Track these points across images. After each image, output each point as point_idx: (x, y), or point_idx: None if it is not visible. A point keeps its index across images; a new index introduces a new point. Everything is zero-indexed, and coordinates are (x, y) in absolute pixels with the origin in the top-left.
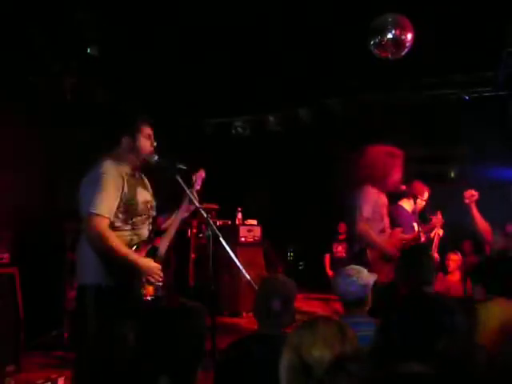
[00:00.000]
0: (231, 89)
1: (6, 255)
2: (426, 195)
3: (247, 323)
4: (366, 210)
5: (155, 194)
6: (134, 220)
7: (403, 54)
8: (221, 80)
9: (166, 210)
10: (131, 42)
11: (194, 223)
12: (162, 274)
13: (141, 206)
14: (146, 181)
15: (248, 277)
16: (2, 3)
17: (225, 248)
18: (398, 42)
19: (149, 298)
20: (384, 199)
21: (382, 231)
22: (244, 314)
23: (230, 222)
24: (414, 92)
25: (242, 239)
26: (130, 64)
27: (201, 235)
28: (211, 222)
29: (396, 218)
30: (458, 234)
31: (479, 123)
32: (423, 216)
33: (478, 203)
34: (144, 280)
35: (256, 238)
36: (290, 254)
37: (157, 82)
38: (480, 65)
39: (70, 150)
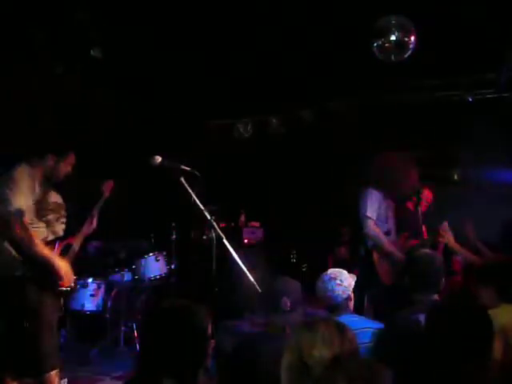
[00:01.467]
0: (233, 90)
1: None
2: (428, 196)
3: (250, 325)
4: (372, 212)
5: None
6: (47, 218)
7: (406, 55)
8: (223, 81)
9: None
10: (133, 43)
11: (197, 225)
12: (73, 279)
13: (52, 206)
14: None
15: (251, 278)
16: (5, 4)
17: (228, 250)
18: (400, 44)
19: (64, 288)
20: (389, 202)
21: (387, 234)
22: (247, 315)
23: (233, 224)
24: (417, 94)
25: (245, 241)
26: (133, 65)
27: (204, 237)
28: (215, 223)
29: (403, 220)
30: (462, 237)
31: (482, 125)
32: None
33: (482, 206)
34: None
35: (259, 240)
36: (293, 256)
37: (159, 83)
38: (483, 66)
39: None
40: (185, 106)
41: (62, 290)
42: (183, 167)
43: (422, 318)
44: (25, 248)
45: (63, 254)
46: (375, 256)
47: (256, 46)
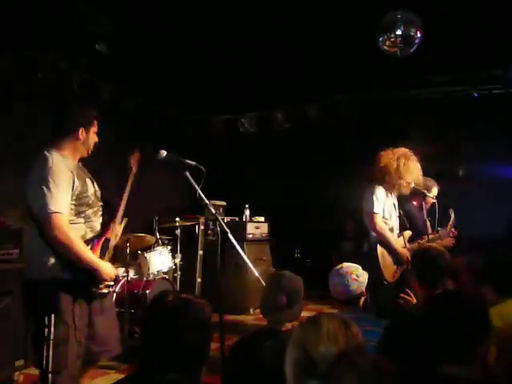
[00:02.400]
0: (238, 85)
1: (15, 251)
2: (435, 191)
3: (255, 320)
4: (377, 207)
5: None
6: (86, 213)
7: (412, 50)
8: (228, 77)
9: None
10: (138, 39)
11: (202, 220)
12: (114, 277)
13: (92, 198)
14: (87, 171)
15: (256, 273)
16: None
17: (233, 245)
18: (407, 39)
19: (105, 290)
20: (393, 199)
21: (391, 230)
22: (251, 310)
23: (237, 219)
24: (422, 89)
25: (250, 236)
26: (137, 60)
27: (209, 232)
28: (220, 218)
29: (411, 217)
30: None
31: (489, 121)
32: (433, 214)
33: (488, 202)
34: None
35: (263, 235)
36: (298, 252)
37: (164, 78)
38: (490, 62)
39: None
40: (189, 101)
41: (102, 292)
42: (188, 161)
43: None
44: (64, 251)
45: (103, 252)
46: (379, 252)
47: (260, 42)
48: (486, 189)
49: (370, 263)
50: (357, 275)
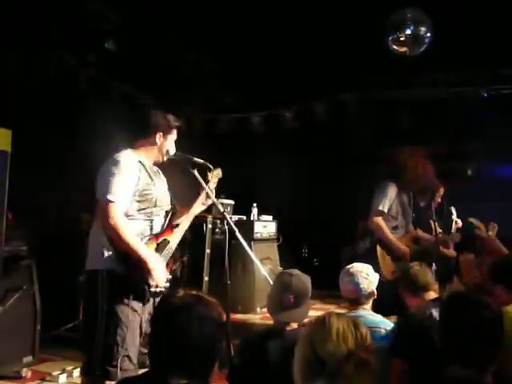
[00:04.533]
0: (247, 84)
1: (24, 247)
2: (441, 191)
3: (261, 319)
4: (384, 205)
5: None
6: (148, 210)
7: (421, 49)
8: (236, 75)
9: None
10: (147, 36)
11: (210, 218)
12: (165, 280)
13: (158, 197)
14: (163, 177)
15: (264, 272)
16: None
17: (240, 243)
18: (416, 38)
19: (157, 289)
20: (405, 198)
21: (395, 228)
22: (258, 309)
23: (245, 218)
24: (432, 88)
25: (257, 235)
26: (146, 57)
27: (217, 230)
28: (228, 217)
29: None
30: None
31: (497, 120)
32: (440, 213)
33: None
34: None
35: (271, 234)
36: (305, 251)
37: (173, 76)
38: (499, 62)
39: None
40: (198, 100)
41: (154, 291)
42: (197, 159)
43: (434, 313)
44: (116, 240)
45: (157, 250)
46: (378, 250)
47: (269, 41)
48: (495, 188)
49: (369, 260)
50: (367, 274)
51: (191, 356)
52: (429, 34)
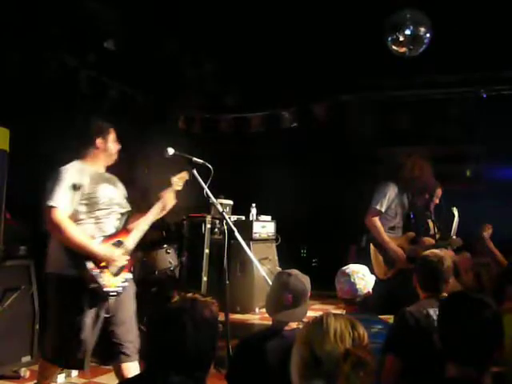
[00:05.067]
0: (246, 84)
1: (22, 247)
2: (438, 192)
3: (260, 319)
4: (381, 204)
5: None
6: (96, 214)
7: (421, 50)
8: (235, 75)
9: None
10: (146, 36)
11: (209, 219)
12: (124, 259)
13: (103, 200)
14: (117, 180)
15: (262, 272)
16: None
17: (239, 243)
18: (415, 39)
19: (110, 289)
20: (405, 199)
21: (393, 228)
22: (257, 309)
23: (244, 218)
24: (431, 89)
25: (256, 235)
26: (145, 58)
27: (216, 230)
28: (227, 217)
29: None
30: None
31: (496, 122)
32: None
33: (495, 203)
34: (106, 266)
35: (270, 234)
36: (304, 251)
37: (172, 76)
38: (499, 63)
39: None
40: (197, 100)
41: (106, 291)
42: (195, 159)
43: (431, 312)
44: (65, 242)
45: None
46: (372, 248)
47: (267, 41)
48: (493, 190)
49: (363, 258)
50: (363, 274)
51: (188, 358)
52: (428, 35)
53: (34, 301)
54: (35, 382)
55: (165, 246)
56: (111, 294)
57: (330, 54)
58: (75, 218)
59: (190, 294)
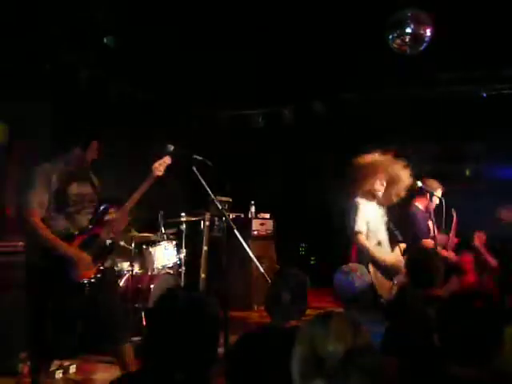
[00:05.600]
0: (246, 81)
1: (20, 243)
2: (439, 192)
3: (259, 317)
4: (360, 226)
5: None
6: (67, 210)
7: (421, 48)
8: (236, 72)
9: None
10: (146, 32)
11: (207, 216)
12: (90, 265)
13: (73, 198)
14: (93, 178)
15: (261, 269)
16: None
17: (237, 241)
18: (416, 37)
19: (85, 280)
20: (379, 211)
21: (379, 244)
22: (256, 307)
23: (242, 215)
24: (431, 88)
25: (255, 232)
26: (145, 54)
27: (215, 227)
28: (226, 214)
29: (413, 222)
30: (472, 234)
31: (496, 121)
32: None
33: (495, 203)
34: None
35: (268, 232)
36: (302, 249)
37: (172, 73)
38: (499, 62)
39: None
40: (197, 97)
41: (81, 283)
42: (195, 156)
43: (429, 311)
44: (37, 238)
45: (86, 246)
46: (371, 271)
47: (267, 38)
48: (494, 189)
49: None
50: (361, 273)
51: (190, 352)
52: (429, 33)
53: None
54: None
55: (163, 243)
56: (86, 283)
57: (330, 52)
58: (48, 214)
59: (193, 292)
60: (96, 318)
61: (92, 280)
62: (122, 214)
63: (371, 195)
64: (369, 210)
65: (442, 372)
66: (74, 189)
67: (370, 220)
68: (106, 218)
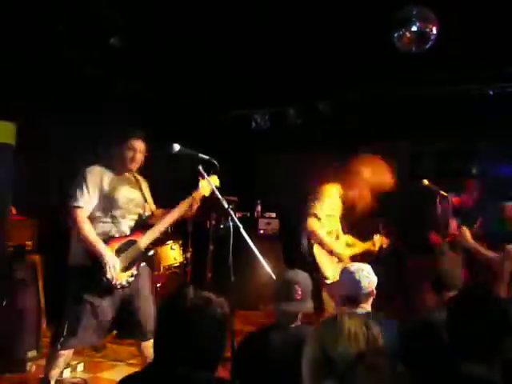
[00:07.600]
0: (251, 81)
1: (29, 242)
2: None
3: (264, 316)
4: (318, 209)
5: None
6: (113, 213)
7: (427, 47)
8: (240, 72)
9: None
10: (152, 33)
11: (214, 215)
12: (115, 272)
13: (121, 201)
14: (142, 182)
15: (268, 269)
16: None
17: (244, 240)
18: (422, 35)
19: (117, 282)
20: (340, 203)
21: (330, 233)
22: (262, 306)
23: (248, 215)
24: (436, 86)
25: (261, 232)
26: (150, 54)
27: (221, 226)
28: (232, 213)
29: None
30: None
31: (503, 119)
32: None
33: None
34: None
35: (274, 231)
36: None
37: (177, 73)
38: (505, 60)
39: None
40: (201, 97)
41: (114, 284)
42: (201, 155)
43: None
44: (80, 236)
45: (121, 250)
46: (316, 252)
47: (272, 37)
48: (499, 187)
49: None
50: (368, 272)
51: (198, 354)
52: (435, 31)
53: (40, 296)
54: (41, 376)
55: (169, 242)
56: (119, 286)
57: (334, 51)
58: (94, 216)
59: (203, 293)
60: (128, 314)
61: (124, 283)
62: (165, 223)
63: (357, 191)
64: (331, 199)
65: (453, 370)
66: (123, 192)
67: (328, 208)
68: (149, 223)
